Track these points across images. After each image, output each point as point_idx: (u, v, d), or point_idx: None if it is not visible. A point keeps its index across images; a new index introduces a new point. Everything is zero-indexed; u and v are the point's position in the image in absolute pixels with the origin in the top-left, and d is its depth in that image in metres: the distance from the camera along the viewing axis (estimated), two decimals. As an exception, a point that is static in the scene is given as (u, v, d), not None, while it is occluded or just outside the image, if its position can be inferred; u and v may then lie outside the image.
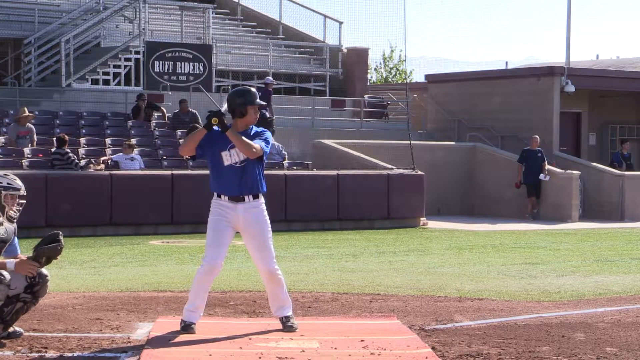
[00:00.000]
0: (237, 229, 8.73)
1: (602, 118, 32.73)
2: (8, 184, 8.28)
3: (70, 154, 21.27)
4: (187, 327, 8.57)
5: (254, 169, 8.66)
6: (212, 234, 8.70)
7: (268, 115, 27.11)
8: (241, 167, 8.64)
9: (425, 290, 11.90)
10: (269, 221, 8.74)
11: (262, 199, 8.74)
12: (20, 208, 8.37)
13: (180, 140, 24.96)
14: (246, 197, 8.65)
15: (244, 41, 34.05)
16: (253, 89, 8.86)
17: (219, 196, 8.80)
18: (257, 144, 8.57)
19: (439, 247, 18.26)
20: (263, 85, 28.09)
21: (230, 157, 8.65)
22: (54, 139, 23.09)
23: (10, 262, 8.00)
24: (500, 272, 14.06)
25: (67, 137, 21.71)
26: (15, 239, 8.32)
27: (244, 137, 8.54)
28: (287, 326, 8.73)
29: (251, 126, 8.74)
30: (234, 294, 11.26)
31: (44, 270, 8.24)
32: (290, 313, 8.83)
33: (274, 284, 8.77)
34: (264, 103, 8.88)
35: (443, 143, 29.42)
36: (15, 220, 8.34)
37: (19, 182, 8.36)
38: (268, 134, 8.80)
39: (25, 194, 8.38)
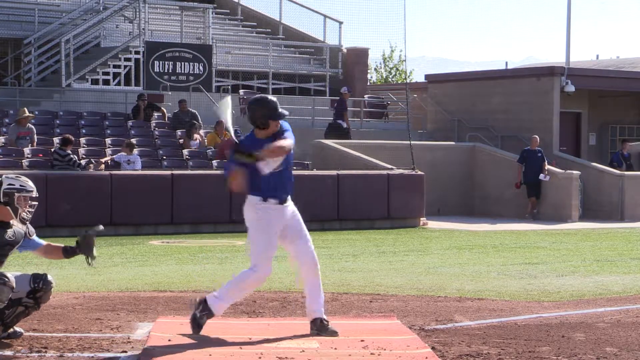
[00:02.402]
0: (280, 230, 8.57)
1: (602, 118, 32.74)
2: (21, 185, 8.31)
3: (72, 156, 21.28)
4: (199, 325, 8.42)
5: (290, 171, 8.59)
6: (267, 244, 8.44)
7: (345, 126, 27.49)
8: (280, 172, 8.47)
9: (425, 290, 11.90)
10: None
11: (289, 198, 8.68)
12: (32, 210, 8.40)
13: (180, 140, 24.96)
14: (289, 199, 8.59)
15: (244, 41, 34.06)
16: (274, 99, 8.61)
17: (264, 199, 8.45)
18: (285, 141, 8.33)
19: (439, 247, 18.26)
20: (339, 97, 28.61)
21: (267, 166, 8.43)
22: (55, 138, 23.14)
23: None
24: (500, 272, 14.06)
25: (72, 138, 21.78)
26: (34, 236, 8.38)
27: (272, 145, 8.28)
28: (330, 331, 8.44)
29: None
30: (234, 294, 11.24)
31: (49, 276, 8.24)
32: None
33: (317, 276, 8.52)
34: (287, 113, 8.71)
35: (443, 143, 29.42)
36: (27, 222, 8.37)
37: (31, 184, 8.39)
38: (286, 124, 8.52)
39: (37, 195, 8.40)
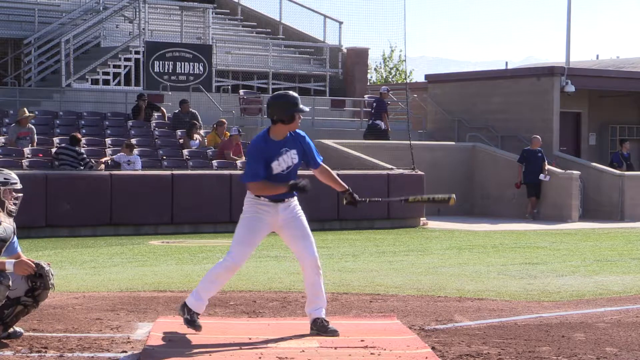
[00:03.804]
0: (274, 229, 8.63)
1: (602, 118, 32.73)
2: (5, 178, 8.26)
3: (85, 155, 21.40)
4: (192, 322, 8.49)
5: (295, 172, 8.64)
6: (246, 233, 8.56)
7: (383, 127, 27.63)
8: (287, 173, 8.58)
9: (425, 290, 11.90)
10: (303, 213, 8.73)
11: (296, 196, 8.72)
12: (18, 202, 8.35)
13: (180, 140, 24.97)
14: (286, 199, 8.62)
15: (244, 41, 34.06)
16: (294, 93, 8.75)
17: (257, 196, 8.61)
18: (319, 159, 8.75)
19: (439, 247, 18.26)
20: (378, 96, 28.98)
21: (279, 166, 8.54)
22: (56, 138, 23.13)
23: (10, 262, 7.98)
24: (500, 272, 14.06)
25: (80, 136, 21.93)
26: (15, 237, 8.30)
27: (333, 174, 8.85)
28: (330, 330, 8.48)
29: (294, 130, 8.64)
30: (234, 294, 11.25)
31: (52, 281, 8.18)
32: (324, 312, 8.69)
33: (318, 275, 8.58)
34: (308, 109, 8.85)
35: (443, 143, 29.42)
36: (14, 214, 8.31)
37: (14, 176, 8.34)
38: (309, 139, 8.75)
39: (21, 187, 8.36)
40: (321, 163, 8.78)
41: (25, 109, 23.02)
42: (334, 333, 8.46)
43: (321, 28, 34.51)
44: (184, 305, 8.63)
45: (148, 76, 28.04)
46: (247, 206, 8.62)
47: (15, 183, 8.29)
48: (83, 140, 23.97)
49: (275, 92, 8.97)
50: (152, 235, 19.78)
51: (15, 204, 8.31)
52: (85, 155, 21.45)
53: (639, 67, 41.21)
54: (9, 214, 8.25)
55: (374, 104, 28.58)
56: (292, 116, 8.57)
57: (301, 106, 8.64)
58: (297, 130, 8.71)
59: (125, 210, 20.21)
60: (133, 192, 20.32)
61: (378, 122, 27.96)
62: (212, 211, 20.43)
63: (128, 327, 9.00)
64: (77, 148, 21.48)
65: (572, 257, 16.43)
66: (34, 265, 7.97)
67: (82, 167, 21.07)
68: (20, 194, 8.38)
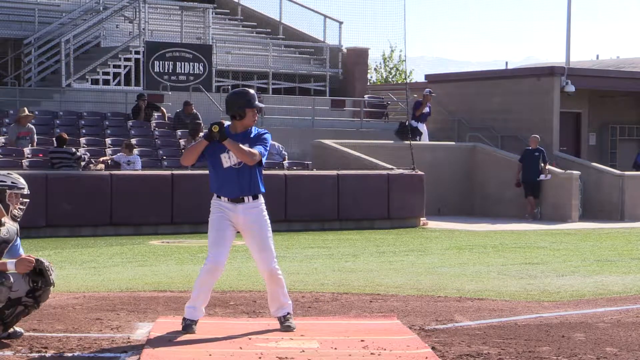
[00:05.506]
0: (237, 228, 8.75)
1: (602, 118, 32.73)
2: (12, 182, 8.28)
3: (78, 153, 21.44)
4: (187, 327, 8.58)
5: (252, 170, 8.66)
6: (214, 234, 8.75)
7: (414, 125, 27.58)
8: (238, 169, 8.63)
9: (425, 290, 11.90)
10: (269, 221, 8.76)
11: (261, 200, 8.76)
12: (24, 207, 8.37)
13: (180, 140, 24.99)
14: (246, 198, 8.67)
15: (244, 41, 34.06)
16: (252, 91, 8.84)
17: (218, 197, 8.82)
18: (256, 150, 8.55)
19: (439, 247, 18.25)
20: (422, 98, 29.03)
21: (230, 159, 8.65)
22: (54, 138, 23.12)
23: (11, 262, 7.99)
24: (500, 272, 14.06)
25: (66, 136, 21.90)
26: (18, 239, 8.31)
27: (242, 145, 8.51)
28: (284, 325, 8.74)
29: (251, 128, 8.72)
30: (234, 294, 11.26)
31: (52, 277, 8.17)
32: (288, 312, 8.82)
33: (275, 284, 8.79)
34: (263, 105, 8.94)
35: (443, 143, 29.42)
36: (19, 219, 8.33)
37: (22, 181, 8.36)
38: (268, 136, 8.78)
39: (28, 192, 8.38)
40: (252, 150, 8.56)
41: (25, 108, 23.03)
42: (287, 328, 8.70)
43: (321, 28, 34.53)
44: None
45: (148, 76, 28.04)
46: (211, 207, 8.86)
47: (23, 188, 8.32)
48: (83, 141, 24.04)
49: (233, 89, 9.06)
50: (152, 235, 19.77)
51: (21, 209, 8.33)
52: (78, 153, 21.37)
53: (639, 67, 41.20)
54: (14, 218, 8.27)
55: (412, 104, 28.77)
56: (243, 112, 8.59)
57: (256, 103, 8.68)
58: (259, 130, 8.78)
59: (125, 210, 20.20)
60: (133, 192, 20.31)
61: (413, 122, 27.94)
62: (212, 211, 20.42)
63: (128, 327, 9.00)
64: (65, 148, 21.43)
65: (572, 257, 16.43)
66: (33, 261, 7.97)
67: (77, 166, 21.03)
68: (27, 200, 8.40)
